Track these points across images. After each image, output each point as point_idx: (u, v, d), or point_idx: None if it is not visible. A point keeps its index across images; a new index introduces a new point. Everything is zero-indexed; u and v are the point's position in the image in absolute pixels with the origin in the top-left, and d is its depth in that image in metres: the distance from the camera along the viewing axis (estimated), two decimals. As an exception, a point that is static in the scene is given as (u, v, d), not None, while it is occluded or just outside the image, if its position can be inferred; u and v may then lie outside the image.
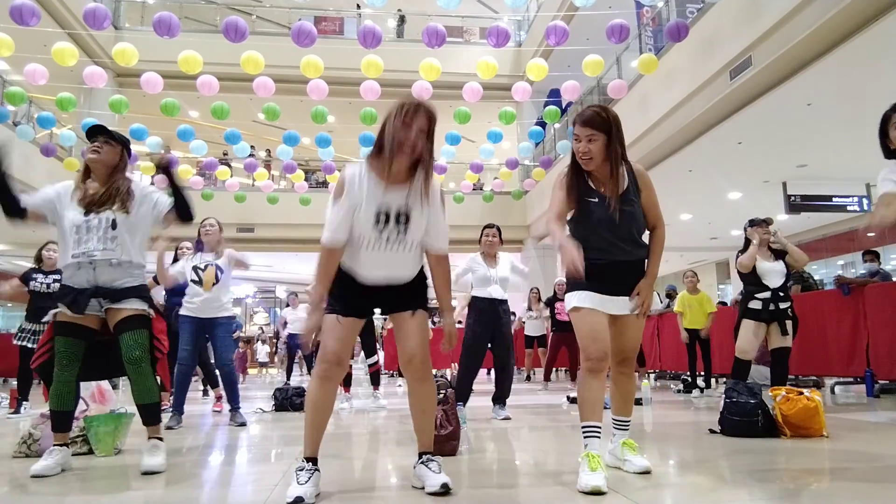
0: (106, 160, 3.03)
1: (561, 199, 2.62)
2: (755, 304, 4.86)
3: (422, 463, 2.41)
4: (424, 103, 2.34)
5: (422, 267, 2.54)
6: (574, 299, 2.59)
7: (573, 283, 2.60)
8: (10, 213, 2.89)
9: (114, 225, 2.91)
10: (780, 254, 4.98)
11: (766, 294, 4.83)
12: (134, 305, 2.94)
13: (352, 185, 2.32)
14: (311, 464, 2.32)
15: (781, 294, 4.83)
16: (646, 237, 2.72)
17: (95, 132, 3.06)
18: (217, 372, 5.34)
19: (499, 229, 5.11)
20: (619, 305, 2.58)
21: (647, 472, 2.59)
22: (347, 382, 6.38)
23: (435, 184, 2.43)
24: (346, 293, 2.42)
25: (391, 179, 2.33)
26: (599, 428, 2.48)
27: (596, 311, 2.54)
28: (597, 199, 2.58)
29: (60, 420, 2.92)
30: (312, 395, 2.38)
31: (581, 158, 2.57)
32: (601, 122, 2.52)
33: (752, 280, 4.94)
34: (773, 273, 4.89)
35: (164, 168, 3.04)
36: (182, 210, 3.04)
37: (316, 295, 2.35)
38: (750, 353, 4.83)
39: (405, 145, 2.26)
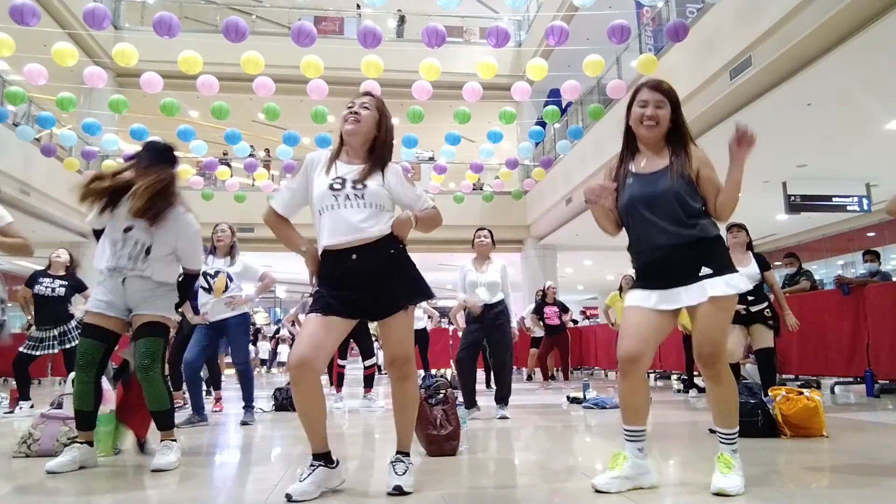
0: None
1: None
2: None
3: (391, 462, 2.43)
4: (370, 91, 2.60)
5: (408, 256, 2.48)
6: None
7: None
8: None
9: (148, 251, 3.02)
10: (758, 259, 4.95)
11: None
12: (154, 311, 3.04)
13: (310, 164, 2.54)
14: (316, 460, 2.36)
15: (751, 298, 4.80)
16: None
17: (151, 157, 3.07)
18: (231, 374, 5.31)
19: (490, 232, 5.09)
20: (671, 298, 2.41)
21: (721, 495, 2.23)
22: (339, 383, 6.31)
23: (393, 165, 2.55)
24: (330, 290, 2.39)
25: (350, 158, 2.50)
26: (636, 432, 2.41)
27: (640, 309, 2.42)
28: (632, 180, 2.47)
29: (80, 419, 3.00)
30: (294, 400, 2.39)
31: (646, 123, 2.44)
32: (668, 91, 2.46)
33: None
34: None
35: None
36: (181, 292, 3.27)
37: (301, 249, 2.57)
38: (736, 354, 4.83)
39: (348, 122, 2.46)
